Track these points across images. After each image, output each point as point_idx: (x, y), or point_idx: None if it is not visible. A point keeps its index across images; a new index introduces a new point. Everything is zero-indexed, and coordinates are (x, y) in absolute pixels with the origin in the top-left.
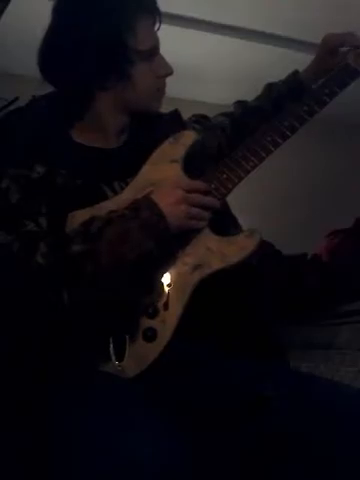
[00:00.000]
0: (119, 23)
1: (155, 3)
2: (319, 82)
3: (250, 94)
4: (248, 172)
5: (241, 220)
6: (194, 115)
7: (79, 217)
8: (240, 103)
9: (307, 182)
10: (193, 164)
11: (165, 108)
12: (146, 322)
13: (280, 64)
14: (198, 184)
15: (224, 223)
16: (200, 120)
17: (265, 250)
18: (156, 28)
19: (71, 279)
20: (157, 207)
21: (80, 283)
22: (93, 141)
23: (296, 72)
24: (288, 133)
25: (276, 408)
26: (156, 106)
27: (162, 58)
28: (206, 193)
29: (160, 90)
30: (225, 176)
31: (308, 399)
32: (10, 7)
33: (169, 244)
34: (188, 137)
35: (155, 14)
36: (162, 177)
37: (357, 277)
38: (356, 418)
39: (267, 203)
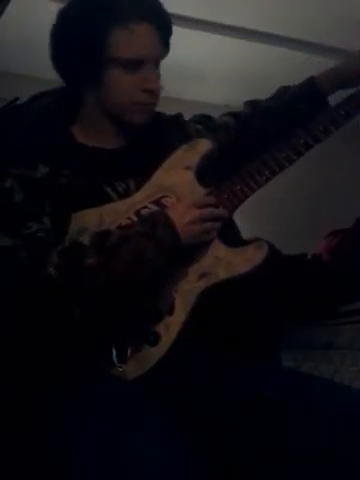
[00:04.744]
0: (99, 26)
1: (155, 12)
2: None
3: (250, 94)
4: (261, 185)
5: (241, 220)
6: (196, 115)
7: (86, 217)
8: (251, 103)
9: (307, 181)
10: (207, 172)
11: (165, 108)
12: (151, 326)
13: (280, 64)
14: (211, 200)
15: (230, 232)
16: (202, 121)
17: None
18: (155, 39)
19: (83, 293)
20: (173, 226)
21: (91, 298)
22: (93, 141)
23: (312, 78)
24: (303, 150)
25: (276, 408)
26: (137, 119)
27: (151, 72)
28: (217, 205)
29: (142, 104)
30: (238, 187)
31: (308, 399)
32: (10, 7)
33: (180, 260)
34: (203, 145)
35: (153, 24)
36: (175, 183)
37: (357, 277)
38: (356, 419)
39: (267, 203)
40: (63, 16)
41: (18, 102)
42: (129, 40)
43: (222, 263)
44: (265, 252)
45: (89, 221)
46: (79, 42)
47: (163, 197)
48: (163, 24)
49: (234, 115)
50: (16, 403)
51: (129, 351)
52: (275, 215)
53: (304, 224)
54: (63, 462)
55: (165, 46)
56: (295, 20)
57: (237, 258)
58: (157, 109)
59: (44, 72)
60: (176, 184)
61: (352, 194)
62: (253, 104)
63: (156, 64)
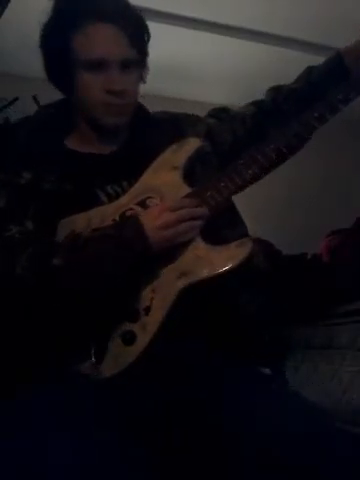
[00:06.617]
0: (63, 30)
1: (115, 12)
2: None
3: (250, 94)
4: (247, 181)
5: None
6: (214, 109)
7: (75, 222)
8: (273, 89)
9: (307, 181)
10: (195, 171)
11: (165, 108)
12: (126, 325)
13: (280, 64)
14: (187, 202)
15: (219, 224)
16: (216, 114)
17: (265, 250)
18: (118, 39)
19: (47, 294)
20: (141, 229)
21: (56, 298)
22: (87, 147)
23: (338, 54)
24: (295, 141)
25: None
26: (109, 121)
27: (114, 73)
28: (198, 205)
29: (109, 104)
30: (223, 184)
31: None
32: (10, 7)
33: (158, 259)
34: (191, 144)
35: (114, 24)
36: (160, 183)
37: (357, 277)
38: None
39: (267, 203)
40: (41, 26)
41: (18, 102)
42: (87, 41)
43: (202, 262)
44: (248, 249)
45: (77, 226)
46: (51, 50)
47: (148, 198)
48: (128, 24)
49: (255, 104)
50: None
51: (107, 350)
52: (275, 215)
53: (304, 224)
54: (34, 462)
55: (133, 47)
56: (295, 20)
57: (218, 256)
58: (156, 109)
59: (44, 72)
60: (162, 184)
61: (352, 193)
62: (275, 90)
63: (123, 65)
